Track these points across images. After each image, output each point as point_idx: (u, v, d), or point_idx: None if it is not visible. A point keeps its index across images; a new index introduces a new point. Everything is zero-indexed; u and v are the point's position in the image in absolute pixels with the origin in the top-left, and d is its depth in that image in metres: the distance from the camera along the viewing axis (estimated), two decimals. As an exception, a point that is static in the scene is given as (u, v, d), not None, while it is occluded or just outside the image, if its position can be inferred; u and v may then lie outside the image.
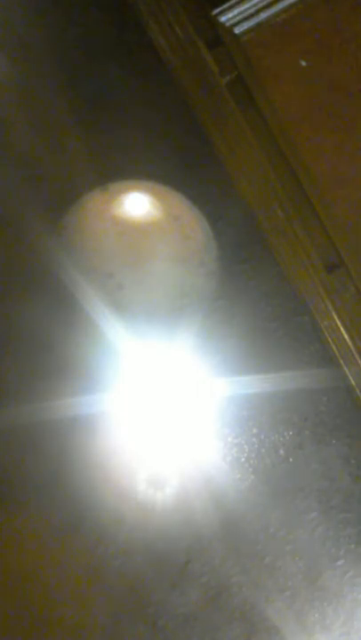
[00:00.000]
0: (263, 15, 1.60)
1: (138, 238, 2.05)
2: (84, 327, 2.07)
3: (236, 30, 1.61)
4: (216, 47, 1.67)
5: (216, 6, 1.62)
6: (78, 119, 2.36)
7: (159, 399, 2.24)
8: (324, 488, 2.27)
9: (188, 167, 2.34)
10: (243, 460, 2.28)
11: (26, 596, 2.22)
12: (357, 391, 2.14)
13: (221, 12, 1.62)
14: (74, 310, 2.06)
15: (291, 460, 2.28)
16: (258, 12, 1.60)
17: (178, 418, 2.27)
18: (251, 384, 2.27)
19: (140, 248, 2.04)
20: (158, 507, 2.24)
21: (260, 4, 1.60)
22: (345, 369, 2.14)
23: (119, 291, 2.02)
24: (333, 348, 2.15)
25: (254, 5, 1.60)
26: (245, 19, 1.60)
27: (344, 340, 1.87)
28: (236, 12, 1.61)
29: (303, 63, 1.59)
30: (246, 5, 1.60)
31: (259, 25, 1.60)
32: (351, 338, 1.82)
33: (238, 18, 1.61)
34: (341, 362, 2.14)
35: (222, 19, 1.61)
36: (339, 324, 1.84)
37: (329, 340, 2.16)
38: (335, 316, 1.84)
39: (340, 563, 2.24)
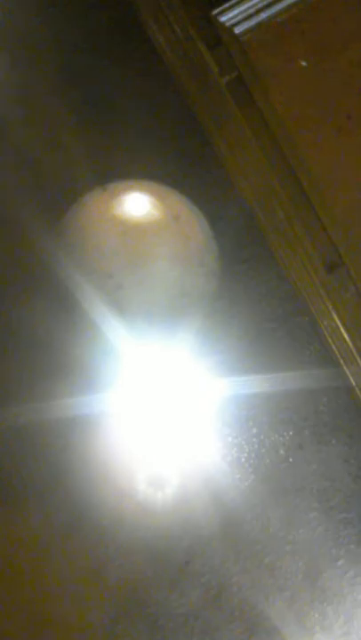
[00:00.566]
0: (263, 15, 1.60)
1: (138, 238, 2.05)
2: (84, 327, 2.07)
3: (236, 30, 1.60)
4: (216, 47, 1.67)
5: (216, 6, 1.62)
6: (78, 119, 2.36)
7: (159, 399, 2.24)
8: (324, 488, 2.27)
9: (188, 167, 2.34)
10: (243, 459, 2.28)
11: (26, 595, 2.22)
12: (357, 391, 2.14)
13: (221, 12, 1.61)
14: (74, 310, 2.06)
15: (291, 460, 2.28)
16: (258, 12, 1.60)
17: (178, 418, 2.27)
18: (251, 384, 2.27)
19: (140, 248, 2.04)
20: (158, 507, 2.24)
21: (260, 4, 1.59)
22: (345, 369, 2.14)
23: (119, 291, 2.02)
24: (333, 348, 2.15)
25: (254, 5, 1.60)
26: (245, 19, 1.60)
27: (344, 339, 1.87)
28: (236, 11, 1.61)
29: (303, 63, 1.59)
30: (246, 5, 1.60)
31: (259, 25, 1.60)
32: (351, 338, 1.82)
33: (238, 18, 1.61)
34: (341, 362, 2.14)
35: (222, 19, 1.61)
36: (339, 323, 1.84)
37: (329, 340, 2.16)
38: (335, 316, 1.83)
39: (340, 563, 2.24)
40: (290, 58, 1.60)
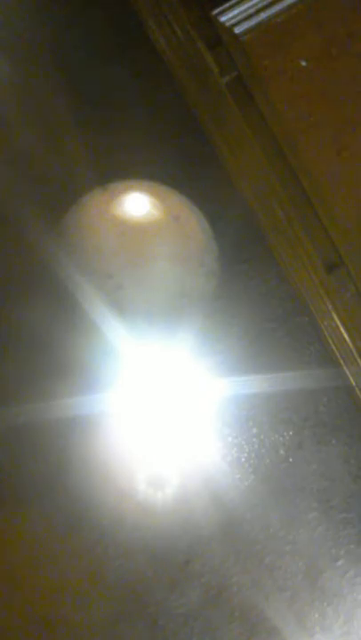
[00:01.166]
0: (263, 15, 1.60)
1: (138, 238, 2.05)
2: (84, 327, 2.07)
3: (236, 30, 1.60)
4: (216, 47, 1.67)
5: (216, 6, 1.62)
6: (78, 119, 2.36)
7: (159, 399, 2.24)
8: (324, 488, 2.27)
9: (188, 167, 2.34)
10: (243, 459, 2.28)
11: (26, 595, 2.22)
12: (357, 391, 2.14)
13: (221, 12, 1.61)
14: (74, 310, 2.06)
15: (291, 459, 2.28)
16: (258, 12, 1.59)
17: (178, 418, 2.27)
18: (251, 384, 2.27)
19: (140, 248, 2.04)
20: (158, 507, 2.24)
21: (260, 4, 1.59)
22: (345, 369, 2.14)
23: (119, 291, 2.02)
24: (333, 348, 2.15)
25: (254, 5, 1.60)
26: (245, 19, 1.60)
27: (344, 339, 1.87)
28: (236, 11, 1.61)
29: (303, 63, 1.59)
30: (246, 5, 1.60)
31: (259, 25, 1.60)
32: (351, 338, 1.82)
33: (238, 18, 1.61)
34: (341, 362, 2.14)
35: (222, 19, 1.61)
36: (339, 323, 1.84)
37: (329, 340, 2.16)
38: (335, 316, 1.83)
39: (340, 563, 2.24)
40: (290, 58, 1.60)
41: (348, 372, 2.13)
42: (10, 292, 2.31)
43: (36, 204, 2.25)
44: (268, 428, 2.29)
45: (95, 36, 2.42)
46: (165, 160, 2.33)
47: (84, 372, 2.19)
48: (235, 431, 2.28)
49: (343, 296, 1.70)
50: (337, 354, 2.15)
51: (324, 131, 1.60)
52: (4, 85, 2.38)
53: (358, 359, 1.86)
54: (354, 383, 2.13)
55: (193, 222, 2.15)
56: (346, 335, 1.86)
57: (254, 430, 2.29)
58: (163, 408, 2.25)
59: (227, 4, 1.61)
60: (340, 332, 1.88)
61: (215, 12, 1.62)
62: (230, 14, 1.61)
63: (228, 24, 1.61)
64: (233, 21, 1.61)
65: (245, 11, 1.60)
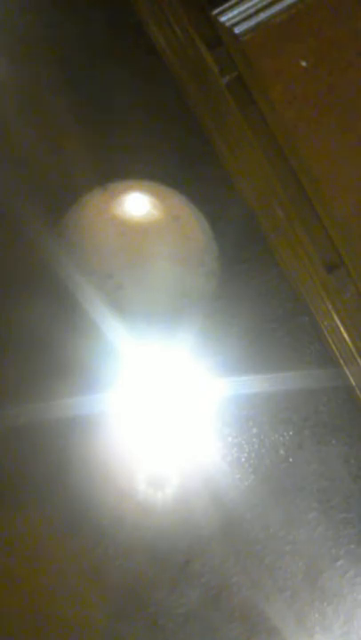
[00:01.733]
0: (263, 15, 1.59)
1: (138, 238, 2.05)
2: (84, 327, 2.07)
3: (236, 30, 1.60)
4: (216, 47, 1.67)
5: (216, 6, 1.61)
6: (78, 119, 2.36)
7: (159, 399, 2.24)
8: (324, 488, 2.27)
9: (188, 167, 2.34)
10: (243, 459, 2.28)
11: (26, 595, 2.22)
12: (357, 391, 2.14)
13: (221, 12, 1.61)
14: (74, 310, 2.06)
15: (291, 459, 2.28)
16: (258, 12, 1.59)
17: (178, 418, 2.27)
18: (251, 384, 2.27)
19: (140, 248, 2.04)
20: (158, 507, 2.24)
21: (260, 4, 1.59)
22: (345, 369, 2.14)
23: (119, 291, 2.02)
24: (333, 348, 2.15)
25: (254, 5, 1.60)
26: (245, 19, 1.60)
27: (344, 339, 1.87)
28: (236, 12, 1.61)
29: (303, 63, 1.59)
30: (246, 5, 1.60)
31: (259, 25, 1.59)
32: (351, 338, 1.82)
33: (238, 18, 1.60)
34: (341, 362, 2.14)
35: (222, 19, 1.61)
36: (339, 323, 1.84)
37: (329, 340, 2.16)
38: (335, 316, 1.83)
39: (340, 563, 2.24)
40: (290, 58, 1.59)
41: (348, 372, 2.13)
42: (10, 292, 2.31)
43: (36, 204, 2.25)
44: (268, 428, 2.29)
45: (95, 35, 2.42)
46: (165, 160, 2.33)
47: (84, 372, 2.19)
48: (235, 431, 2.28)
49: (343, 296, 1.69)
50: (337, 354, 2.15)
51: (324, 131, 1.60)
52: (3, 85, 2.38)
53: (358, 359, 1.86)
54: (354, 383, 2.13)
55: (193, 222, 2.15)
56: (346, 335, 1.85)
57: (254, 430, 2.29)
58: (163, 408, 2.25)
59: (227, 4, 1.61)
60: (340, 331, 1.88)
61: (215, 12, 1.62)
62: (230, 14, 1.61)
63: (228, 24, 1.61)
64: (233, 21, 1.60)
65: (245, 11, 1.60)
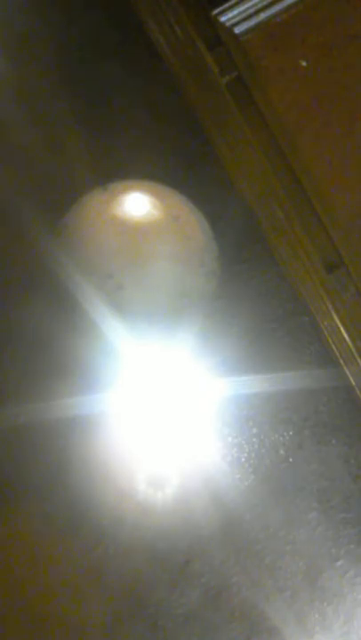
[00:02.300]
0: (263, 15, 1.59)
1: (138, 238, 2.05)
2: (84, 327, 2.07)
3: (236, 30, 1.60)
4: (216, 47, 1.67)
5: (216, 6, 1.61)
6: (78, 119, 2.35)
7: (159, 399, 2.24)
8: (324, 488, 2.27)
9: (188, 167, 2.34)
10: (243, 459, 2.28)
11: (26, 595, 2.22)
12: (357, 391, 2.14)
13: (221, 12, 1.61)
14: (74, 310, 2.06)
15: (291, 459, 2.28)
16: (258, 12, 1.59)
17: (178, 418, 2.27)
18: (251, 384, 2.27)
19: (140, 248, 2.04)
20: (158, 507, 2.24)
21: (260, 4, 1.59)
22: (345, 369, 2.13)
23: (119, 291, 2.02)
24: (333, 348, 2.15)
25: (254, 5, 1.59)
26: (245, 19, 1.60)
27: (344, 339, 1.87)
28: (236, 12, 1.61)
29: (303, 63, 1.59)
30: (246, 5, 1.60)
31: (259, 25, 1.59)
32: (351, 338, 1.82)
33: (238, 18, 1.60)
34: (341, 362, 2.14)
35: (222, 19, 1.61)
36: (339, 323, 1.84)
37: (329, 340, 2.16)
38: (335, 316, 1.83)
39: (340, 563, 2.24)
40: (290, 58, 1.59)
41: (348, 372, 2.13)
42: (10, 291, 2.31)
43: (36, 204, 2.25)
44: (268, 428, 2.29)
45: (95, 35, 2.42)
46: (165, 160, 2.33)
47: (84, 372, 2.19)
48: (235, 431, 2.28)
49: (343, 296, 1.70)
50: (337, 354, 2.15)
51: (324, 131, 1.60)
52: (3, 85, 2.38)
53: (358, 359, 1.86)
54: (354, 383, 2.13)
55: (193, 222, 2.15)
56: (346, 335, 1.85)
57: (254, 430, 2.29)
58: (162, 408, 2.25)
59: (227, 4, 1.60)
60: (340, 332, 1.88)
61: (215, 12, 1.62)
62: (230, 14, 1.61)
63: (228, 24, 1.61)
64: (233, 21, 1.60)
65: (245, 11, 1.60)
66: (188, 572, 2.23)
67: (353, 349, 1.86)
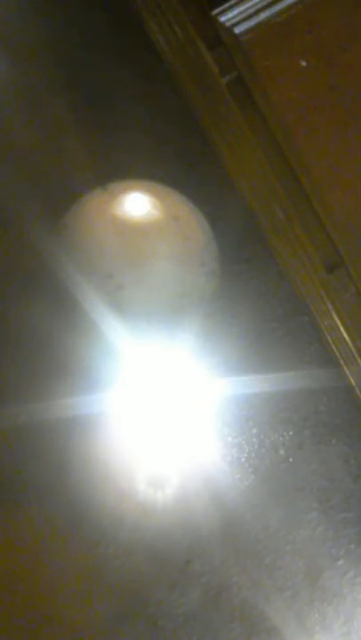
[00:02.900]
0: (263, 15, 1.59)
1: (138, 238, 2.05)
2: (84, 327, 2.07)
3: (236, 30, 1.60)
4: (216, 47, 1.67)
5: (216, 6, 1.61)
6: (78, 119, 2.36)
7: (159, 399, 2.24)
8: (324, 488, 2.27)
9: (188, 167, 2.34)
10: (243, 460, 2.28)
11: (26, 595, 2.22)
12: (357, 391, 2.14)
13: (221, 12, 1.61)
14: (74, 310, 2.06)
15: (291, 459, 2.28)
16: (258, 12, 1.59)
17: (178, 418, 2.27)
18: (251, 384, 2.27)
19: (140, 248, 2.04)
20: (158, 507, 2.24)
21: (260, 4, 1.59)
22: (345, 369, 2.14)
23: (119, 291, 2.02)
24: (333, 348, 2.15)
25: (254, 5, 1.59)
26: (245, 19, 1.60)
27: (344, 340, 1.87)
28: (236, 12, 1.61)
29: (303, 63, 1.59)
30: (246, 5, 1.60)
31: (259, 25, 1.59)
32: (351, 338, 1.82)
33: (238, 18, 1.60)
34: (341, 362, 2.14)
35: (222, 19, 1.61)
36: (339, 323, 1.84)
37: (329, 340, 2.16)
38: (335, 316, 1.83)
39: (340, 563, 2.24)
40: (290, 58, 1.59)
41: (348, 372, 2.13)
42: (10, 291, 2.31)
43: (36, 204, 2.25)
44: (268, 427, 2.29)
45: (95, 36, 2.42)
46: (165, 160, 2.33)
47: (84, 372, 2.19)
48: (235, 431, 2.28)
49: (343, 296, 1.70)
50: (337, 354, 2.15)
51: (324, 131, 1.60)
52: (3, 85, 2.38)
53: (358, 359, 1.86)
54: (354, 383, 2.13)
55: (193, 222, 2.15)
56: (346, 335, 1.86)
57: (254, 430, 2.29)
58: (163, 408, 2.25)
59: (227, 4, 1.60)
60: (340, 332, 1.88)
61: (215, 12, 1.62)
62: (230, 14, 1.61)
63: (228, 24, 1.61)
64: (233, 21, 1.60)
65: (245, 11, 1.60)
66: (188, 572, 2.23)
67: (353, 349, 1.86)
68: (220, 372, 2.26)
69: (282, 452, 2.28)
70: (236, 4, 1.61)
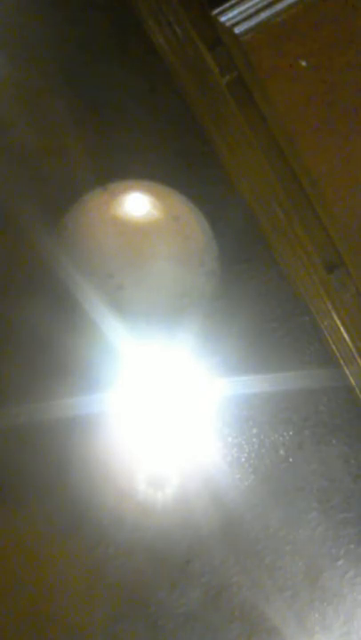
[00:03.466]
0: (263, 15, 1.59)
1: (138, 238, 2.05)
2: (84, 327, 2.07)
3: (236, 30, 1.60)
4: (216, 47, 1.67)
5: (216, 6, 1.61)
6: (78, 119, 2.36)
7: (159, 399, 2.24)
8: (324, 488, 2.27)
9: (188, 167, 2.34)
10: (243, 460, 2.28)
11: (26, 595, 2.22)
12: (357, 391, 2.14)
13: (221, 12, 1.61)
14: (74, 310, 2.06)
15: (291, 460, 2.28)
16: (258, 12, 1.59)
17: (178, 418, 2.27)
18: (251, 384, 2.27)
19: (140, 248, 2.04)
20: (158, 507, 2.24)
21: (260, 4, 1.59)
22: (345, 369, 2.14)
23: (119, 291, 2.02)
24: (333, 348, 2.15)
25: (254, 5, 1.59)
26: (245, 19, 1.60)
27: (344, 340, 1.87)
28: (236, 12, 1.61)
29: (303, 63, 1.59)
30: (246, 5, 1.60)
31: (259, 25, 1.59)
32: (351, 338, 1.82)
33: (238, 18, 1.60)
34: (341, 362, 2.14)
35: (222, 19, 1.61)
36: (339, 323, 1.84)
37: (329, 340, 2.16)
38: (335, 316, 1.83)
39: (340, 563, 2.24)
40: (290, 58, 1.59)
41: (348, 372, 2.13)
42: (10, 291, 2.31)
43: (36, 204, 2.25)
44: (268, 428, 2.29)
45: (95, 35, 2.42)
46: (165, 160, 2.33)
47: (84, 372, 2.19)
48: (235, 431, 2.28)
49: (343, 296, 1.70)
50: (337, 354, 2.15)
51: (324, 131, 1.60)
52: (4, 85, 2.38)
53: (358, 359, 1.86)
54: (354, 383, 2.13)
55: (193, 222, 2.15)
56: (346, 335, 1.86)
57: (254, 430, 2.29)
58: (163, 408, 2.25)
59: (227, 4, 1.60)
60: (340, 332, 1.88)
61: (215, 12, 1.62)
62: (230, 14, 1.61)
63: (228, 24, 1.61)
64: (233, 21, 1.60)
65: (245, 11, 1.60)
66: (188, 572, 2.23)
67: (353, 349, 1.86)
68: (220, 372, 2.26)
69: (282, 452, 2.28)
70: (236, 4, 1.61)
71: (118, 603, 2.22)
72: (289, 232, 1.86)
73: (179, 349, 2.16)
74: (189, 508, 2.24)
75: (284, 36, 1.60)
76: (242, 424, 2.29)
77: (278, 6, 1.60)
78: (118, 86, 2.39)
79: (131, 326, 2.06)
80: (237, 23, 1.61)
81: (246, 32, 1.60)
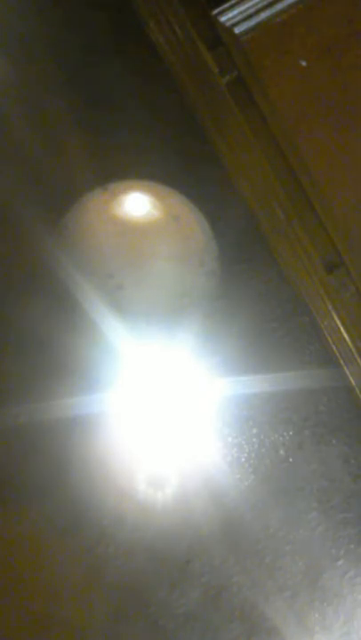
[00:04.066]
0: (263, 15, 1.59)
1: (138, 238, 2.05)
2: (84, 327, 2.07)
3: (236, 30, 1.60)
4: (216, 47, 1.67)
5: (216, 6, 1.61)
6: (78, 119, 2.36)
7: (159, 399, 2.24)
8: (324, 488, 2.27)
9: (188, 167, 2.34)
10: (243, 460, 2.28)
11: (26, 595, 2.22)
12: (357, 391, 2.14)
13: (221, 12, 1.61)
14: (74, 310, 2.06)
15: (291, 459, 2.28)
16: (258, 12, 1.59)
17: (178, 418, 2.27)
18: (251, 384, 2.27)
19: (140, 248, 2.04)
20: (158, 507, 2.24)
21: (260, 4, 1.59)
22: (345, 369, 2.14)
23: (119, 291, 2.02)
24: (333, 348, 2.15)
25: (254, 5, 1.59)
26: (245, 19, 1.60)
27: (344, 340, 1.87)
28: (236, 11, 1.61)
29: (303, 63, 1.59)
30: (246, 5, 1.60)
31: (259, 25, 1.59)
32: (351, 338, 1.82)
33: (238, 18, 1.60)
34: (341, 362, 2.14)
35: (222, 19, 1.61)
36: (339, 323, 1.84)
37: (329, 340, 2.16)
38: (335, 316, 1.83)
39: (340, 563, 2.24)
40: (290, 58, 1.59)
41: (348, 372, 2.13)
42: (10, 291, 2.31)
43: (36, 204, 2.25)
44: (268, 428, 2.29)
45: (95, 35, 2.42)
46: (165, 160, 2.33)
47: (84, 371, 2.19)
48: (235, 431, 2.28)
49: (343, 296, 1.70)
50: (337, 354, 2.15)
51: (324, 131, 1.60)
52: (3, 85, 2.38)
53: (358, 359, 1.86)
54: (354, 383, 2.13)
55: (193, 222, 2.15)
56: (346, 335, 1.86)
57: (254, 430, 2.29)
58: (162, 408, 2.25)
59: (227, 4, 1.61)
60: (340, 332, 1.88)
61: (215, 11, 1.62)
62: (230, 14, 1.61)
63: (228, 24, 1.61)
64: (233, 21, 1.60)
65: (245, 11, 1.60)
66: (188, 572, 2.23)
67: (353, 349, 1.86)
68: (220, 372, 2.26)
69: (282, 451, 2.28)
70: (236, 4, 1.61)
71: (118, 603, 2.22)
72: (289, 232, 1.86)
73: (179, 349, 2.16)
74: (189, 508, 2.24)
75: (284, 36, 1.60)
76: (242, 424, 2.29)
77: (278, 6, 1.60)
78: (118, 86, 2.39)
79: (131, 326, 2.06)
80: (237, 23, 1.61)
81: (246, 32, 1.60)
